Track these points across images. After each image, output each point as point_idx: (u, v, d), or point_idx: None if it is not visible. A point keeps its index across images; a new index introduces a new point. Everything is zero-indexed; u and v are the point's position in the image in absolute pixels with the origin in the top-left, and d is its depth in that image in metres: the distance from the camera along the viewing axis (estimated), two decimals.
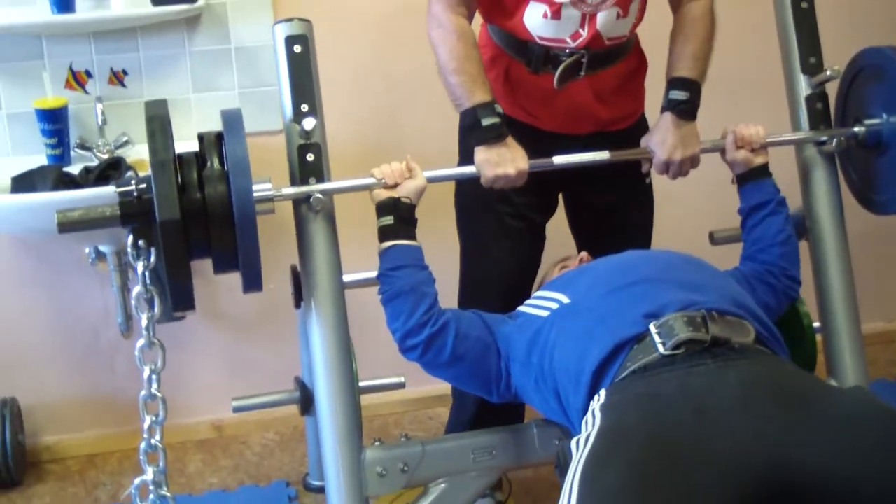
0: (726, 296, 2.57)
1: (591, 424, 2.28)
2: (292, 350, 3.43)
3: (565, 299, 2.68)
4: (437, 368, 2.79)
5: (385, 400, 3.65)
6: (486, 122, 2.88)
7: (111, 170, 3.39)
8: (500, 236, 3.22)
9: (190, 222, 2.60)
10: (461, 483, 2.91)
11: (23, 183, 3.36)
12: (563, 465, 2.39)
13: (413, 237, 2.79)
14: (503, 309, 2.90)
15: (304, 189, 2.82)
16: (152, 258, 2.71)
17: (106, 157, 3.48)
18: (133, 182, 2.65)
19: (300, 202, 2.84)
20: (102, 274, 3.62)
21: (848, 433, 2.19)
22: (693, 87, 3.03)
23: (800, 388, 2.33)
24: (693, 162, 3.04)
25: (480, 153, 2.91)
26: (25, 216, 3.30)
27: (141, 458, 2.83)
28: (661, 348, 2.38)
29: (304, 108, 2.86)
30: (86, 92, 3.56)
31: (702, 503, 2.08)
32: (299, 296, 2.94)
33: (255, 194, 2.64)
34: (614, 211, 3.28)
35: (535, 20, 2.98)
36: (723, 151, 3.02)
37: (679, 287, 2.57)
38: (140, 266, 2.73)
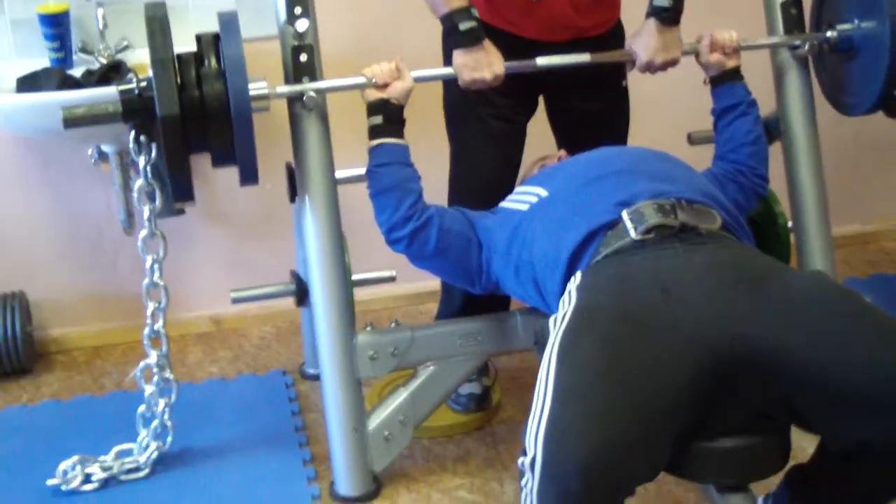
0: (695, 186, 2.64)
1: (568, 303, 2.36)
2: (288, 247, 3.51)
3: (544, 193, 2.75)
4: (422, 260, 2.87)
5: (378, 295, 3.75)
6: (462, 26, 2.92)
7: (112, 72, 3.41)
8: (483, 137, 3.25)
9: (189, 118, 2.67)
10: (448, 366, 3.02)
11: (28, 84, 3.40)
12: (541, 341, 2.47)
13: (401, 136, 2.86)
14: (487, 206, 2.97)
15: (297, 87, 2.88)
16: (153, 153, 2.81)
17: (107, 60, 3.50)
18: (134, 81, 2.72)
19: (294, 100, 2.89)
20: (104, 173, 3.65)
21: (801, 311, 2.26)
22: None
23: (760, 270, 2.40)
24: (673, 63, 3.10)
25: (458, 57, 2.96)
26: (31, 115, 3.34)
27: (145, 342, 2.95)
28: (632, 233, 2.46)
29: (298, 10, 2.89)
30: None
31: (665, 372, 2.16)
32: (294, 191, 3.01)
33: (251, 92, 2.70)
34: (591, 113, 3.32)
35: None
36: (697, 55, 3.05)
37: (650, 178, 2.63)
38: (142, 160, 2.83)
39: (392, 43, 3.72)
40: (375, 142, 2.84)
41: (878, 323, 2.26)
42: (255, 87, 2.74)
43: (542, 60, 3.01)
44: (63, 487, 3.05)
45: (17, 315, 3.64)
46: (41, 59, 3.54)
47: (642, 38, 3.09)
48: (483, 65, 2.94)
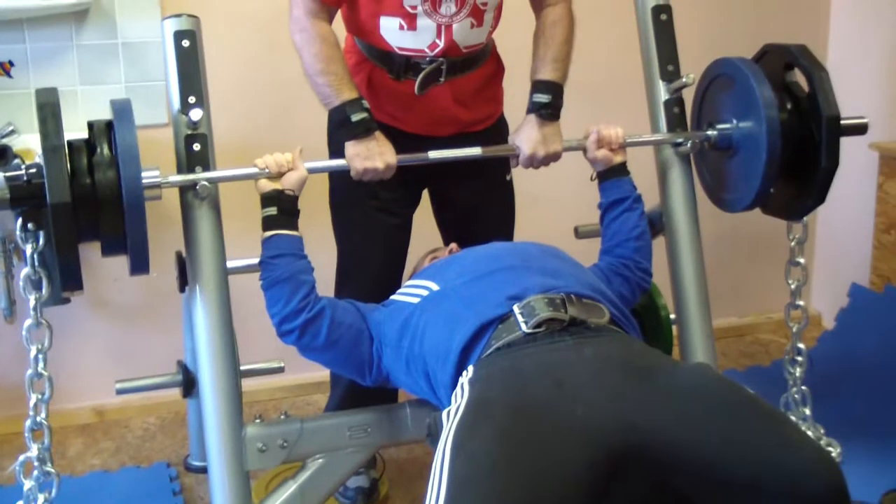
0: (583, 281, 2.68)
1: (461, 396, 2.36)
2: (175, 338, 3.47)
3: (434, 286, 2.76)
4: (313, 352, 2.84)
5: (265, 386, 3.72)
6: (355, 118, 2.94)
7: None
8: (368, 229, 3.28)
9: (80, 206, 2.63)
10: (338, 458, 2.97)
11: None
12: (434, 433, 2.46)
13: (295, 227, 2.84)
14: (374, 298, 2.96)
15: (190, 177, 2.86)
16: (41, 241, 2.73)
17: None
18: (23, 167, 2.66)
19: (186, 189, 2.87)
20: None
21: (689, 402, 2.30)
22: (555, 89, 3.10)
23: (647, 362, 2.43)
24: (555, 157, 3.12)
25: (350, 147, 2.96)
26: None
27: (26, 435, 2.85)
28: (523, 326, 2.48)
29: (192, 99, 2.90)
30: None
31: (558, 465, 2.15)
32: (184, 280, 2.98)
33: (144, 181, 2.67)
34: (476, 206, 3.35)
35: (392, 32, 3.04)
36: (584, 150, 3.09)
37: (540, 273, 2.67)
38: (29, 248, 2.75)
39: (284, 133, 3.74)
40: (269, 233, 2.83)
41: (763, 414, 2.30)
42: (148, 176, 2.72)
43: (433, 153, 3.02)
44: None
45: None
46: None
47: (524, 132, 3.11)
48: (375, 154, 2.95)
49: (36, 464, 2.90)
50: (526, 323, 2.49)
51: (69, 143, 2.69)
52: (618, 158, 3.07)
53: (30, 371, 2.86)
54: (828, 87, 2.98)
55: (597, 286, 2.71)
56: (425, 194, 3.43)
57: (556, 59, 3.13)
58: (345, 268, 3.36)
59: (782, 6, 4.24)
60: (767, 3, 4.22)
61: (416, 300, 2.77)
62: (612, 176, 3.06)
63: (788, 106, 3.02)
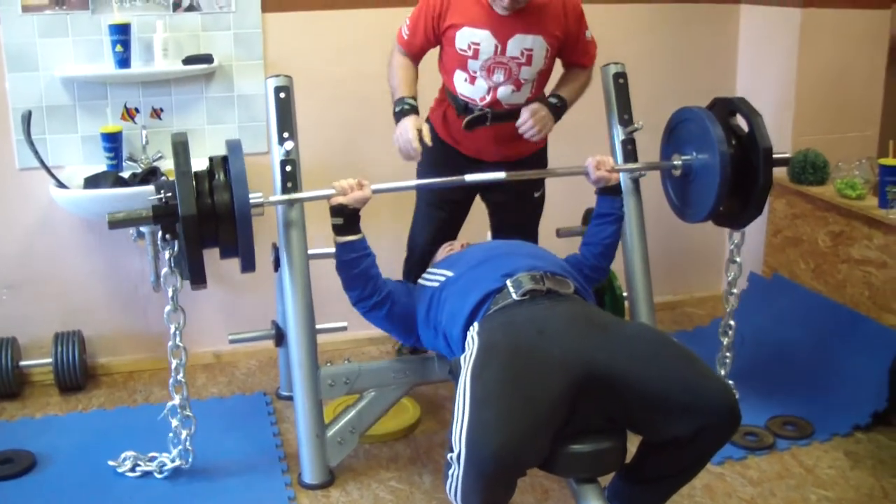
0: (557, 264, 2.73)
1: (472, 344, 2.41)
2: (269, 304, 3.47)
3: (450, 273, 2.77)
4: (376, 320, 2.86)
5: (333, 339, 3.66)
6: (397, 107, 3.02)
7: (151, 175, 3.39)
8: (426, 218, 3.29)
9: (203, 219, 2.60)
10: (385, 392, 3.00)
11: (91, 182, 3.36)
12: (455, 371, 2.50)
13: (358, 231, 2.78)
14: (422, 261, 3.11)
15: (284, 197, 2.87)
16: (175, 248, 2.72)
17: (146, 166, 3.47)
18: (162, 192, 2.64)
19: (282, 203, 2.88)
20: (140, 247, 3.61)
21: (633, 345, 2.39)
22: (564, 101, 3.12)
23: (603, 319, 2.52)
24: (544, 126, 3.05)
25: (397, 125, 3.00)
26: (92, 205, 3.30)
27: (170, 388, 2.87)
28: (514, 295, 2.54)
29: (286, 135, 2.90)
30: (134, 122, 3.54)
31: (545, 387, 2.25)
32: (277, 263, 2.98)
33: (251, 200, 2.64)
34: (507, 209, 3.31)
35: (460, 83, 3.07)
36: (587, 174, 2.96)
37: (526, 257, 2.70)
38: (167, 254, 2.74)
39: (351, 160, 3.74)
40: (341, 239, 2.77)
41: (682, 354, 2.40)
42: (254, 197, 2.68)
43: (469, 177, 2.97)
44: (118, 469, 3.01)
45: (75, 347, 3.57)
46: (100, 164, 3.51)
47: (534, 105, 3.06)
48: (404, 127, 2.96)
49: (178, 410, 2.91)
50: (515, 292, 2.54)
51: (195, 172, 2.65)
52: (613, 178, 2.96)
53: (170, 343, 2.85)
54: (763, 126, 2.93)
55: (567, 268, 2.75)
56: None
57: (573, 90, 3.15)
58: (410, 242, 3.38)
59: (702, 67, 4.19)
60: (691, 66, 4.17)
61: (436, 284, 2.79)
62: (607, 193, 2.96)
63: (734, 142, 2.97)
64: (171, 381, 2.86)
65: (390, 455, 3.15)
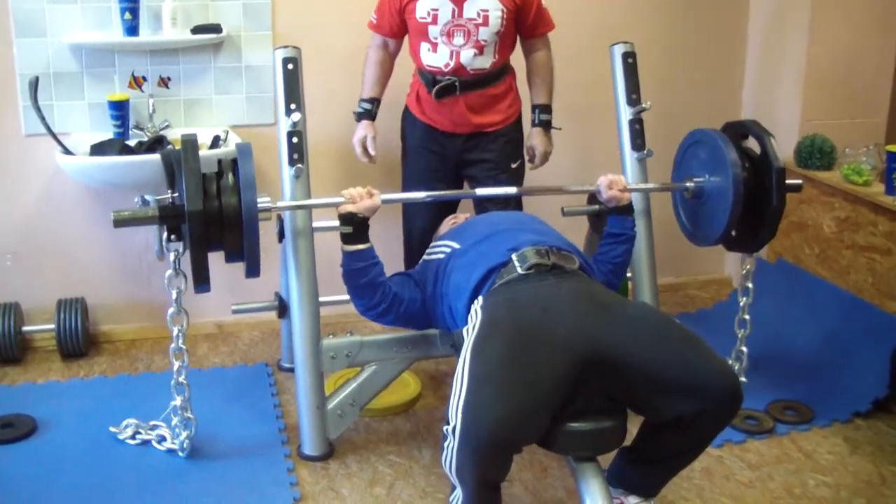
0: (561, 239, 2.70)
1: (475, 318, 2.41)
2: (273, 275, 3.44)
3: (456, 245, 2.74)
4: (386, 323, 2.86)
5: (336, 311, 3.64)
6: (357, 108, 3.33)
7: (156, 144, 3.36)
8: (422, 206, 3.34)
9: (209, 221, 2.54)
10: (386, 366, 2.98)
11: (97, 150, 3.34)
12: (457, 344, 2.51)
13: (367, 240, 2.73)
14: (422, 243, 3.13)
15: (292, 203, 2.86)
16: (180, 249, 2.69)
17: (153, 135, 3.45)
18: (169, 194, 2.62)
19: (291, 176, 2.88)
20: None
21: (636, 325, 2.38)
22: (550, 109, 3.32)
23: (606, 298, 2.49)
24: (548, 156, 3.35)
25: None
26: (98, 172, 3.30)
27: (171, 356, 2.83)
28: (519, 269, 2.51)
29: (293, 106, 2.88)
30: (142, 91, 3.52)
31: (546, 364, 2.25)
32: (282, 234, 2.96)
33: (259, 205, 2.60)
34: (484, 184, 3.27)
35: (425, 53, 3.19)
36: (599, 193, 2.92)
37: (531, 232, 2.68)
38: (172, 255, 2.71)
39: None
40: (349, 248, 2.72)
41: (685, 336, 2.39)
42: (262, 201, 2.64)
43: (480, 190, 3.08)
44: (119, 436, 3.01)
45: (78, 314, 3.57)
46: (107, 132, 3.48)
47: (537, 139, 3.36)
48: (358, 133, 3.33)
49: (177, 376, 2.85)
50: (520, 266, 2.52)
51: (203, 174, 2.59)
52: (625, 198, 2.91)
53: (172, 345, 2.81)
54: (776, 147, 2.92)
55: (570, 244, 2.71)
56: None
57: (549, 89, 3.35)
58: (406, 223, 3.48)
59: (710, 50, 4.16)
60: (699, 49, 4.14)
61: (442, 256, 2.77)
62: (619, 213, 2.90)
63: (746, 164, 2.95)
64: (171, 346, 2.82)
65: (390, 429, 3.14)
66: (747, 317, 3.27)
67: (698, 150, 3.08)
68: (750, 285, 3.23)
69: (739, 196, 2.89)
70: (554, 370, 2.23)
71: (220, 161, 2.68)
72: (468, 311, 2.48)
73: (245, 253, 2.61)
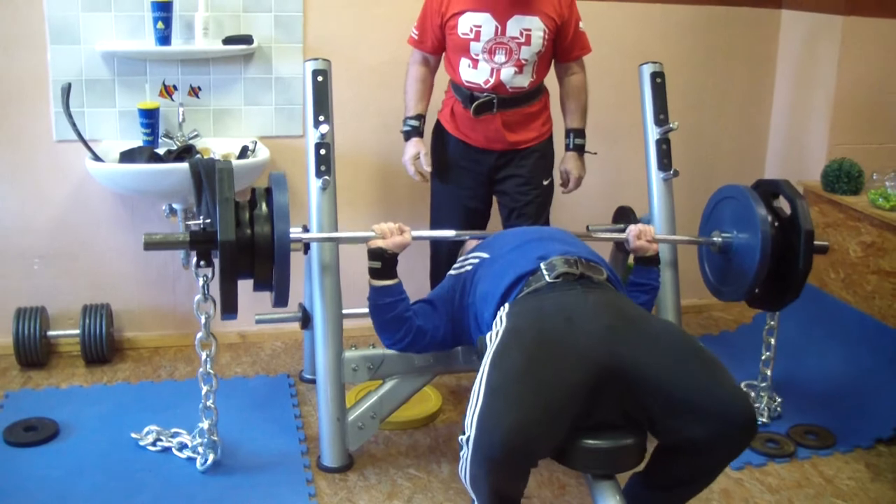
0: (589, 250, 2.68)
1: (500, 324, 2.41)
2: (297, 286, 3.33)
3: (485, 255, 2.74)
4: (414, 352, 2.86)
5: (359, 324, 3.63)
6: (403, 127, 3.30)
7: (185, 153, 3.38)
8: (452, 225, 3.28)
9: (240, 249, 2.55)
10: (408, 379, 2.98)
11: (126, 157, 3.37)
12: (480, 352, 2.48)
13: (395, 276, 2.72)
14: (449, 259, 3.15)
15: (323, 235, 2.87)
16: (209, 275, 2.70)
17: (182, 143, 3.46)
18: (201, 218, 2.63)
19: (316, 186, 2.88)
20: (172, 224, 3.57)
21: (658, 342, 2.35)
22: (583, 133, 3.32)
23: (631, 312, 2.47)
24: (581, 180, 3.34)
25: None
26: (126, 179, 3.31)
27: (199, 380, 2.84)
28: (547, 277, 2.50)
29: (322, 118, 2.89)
30: (172, 99, 3.54)
31: (564, 377, 2.24)
32: (307, 245, 2.97)
33: (291, 236, 2.60)
34: (515, 201, 3.32)
35: (465, 69, 3.17)
36: (627, 242, 2.93)
37: (560, 243, 2.67)
38: (201, 280, 2.72)
39: (384, 143, 3.72)
40: (377, 283, 2.71)
41: (706, 359, 2.36)
42: (295, 232, 2.65)
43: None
44: (140, 442, 3.02)
45: (102, 320, 3.58)
46: (136, 140, 3.51)
47: (571, 163, 3.38)
48: (408, 151, 3.29)
49: (206, 397, 2.87)
50: (549, 275, 2.51)
51: (236, 202, 2.59)
52: (652, 248, 2.91)
53: (201, 370, 2.83)
54: (806, 209, 2.93)
55: (598, 256, 2.70)
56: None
57: (584, 113, 3.35)
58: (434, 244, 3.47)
59: (740, 72, 4.15)
60: (729, 70, 4.13)
61: (469, 268, 2.76)
62: (645, 264, 2.90)
63: (776, 224, 2.96)
64: (200, 371, 2.83)
65: (410, 443, 3.14)
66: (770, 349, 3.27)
67: (728, 205, 3.08)
68: (772, 341, 3.27)
69: (767, 255, 2.89)
70: (569, 380, 2.23)
71: (253, 190, 2.67)
72: (494, 318, 2.48)
73: (275, 282, 2.62)
